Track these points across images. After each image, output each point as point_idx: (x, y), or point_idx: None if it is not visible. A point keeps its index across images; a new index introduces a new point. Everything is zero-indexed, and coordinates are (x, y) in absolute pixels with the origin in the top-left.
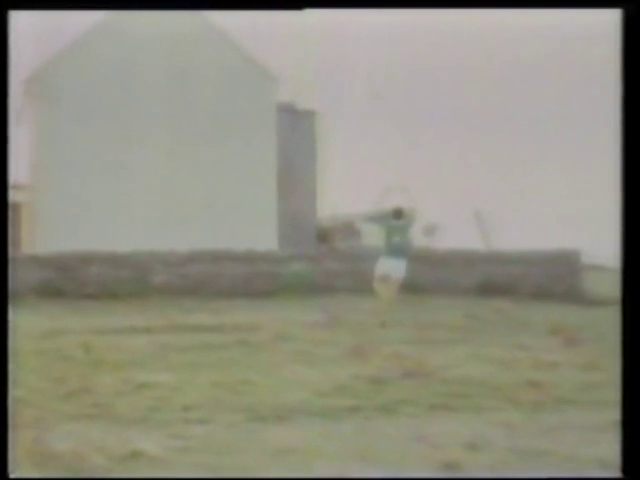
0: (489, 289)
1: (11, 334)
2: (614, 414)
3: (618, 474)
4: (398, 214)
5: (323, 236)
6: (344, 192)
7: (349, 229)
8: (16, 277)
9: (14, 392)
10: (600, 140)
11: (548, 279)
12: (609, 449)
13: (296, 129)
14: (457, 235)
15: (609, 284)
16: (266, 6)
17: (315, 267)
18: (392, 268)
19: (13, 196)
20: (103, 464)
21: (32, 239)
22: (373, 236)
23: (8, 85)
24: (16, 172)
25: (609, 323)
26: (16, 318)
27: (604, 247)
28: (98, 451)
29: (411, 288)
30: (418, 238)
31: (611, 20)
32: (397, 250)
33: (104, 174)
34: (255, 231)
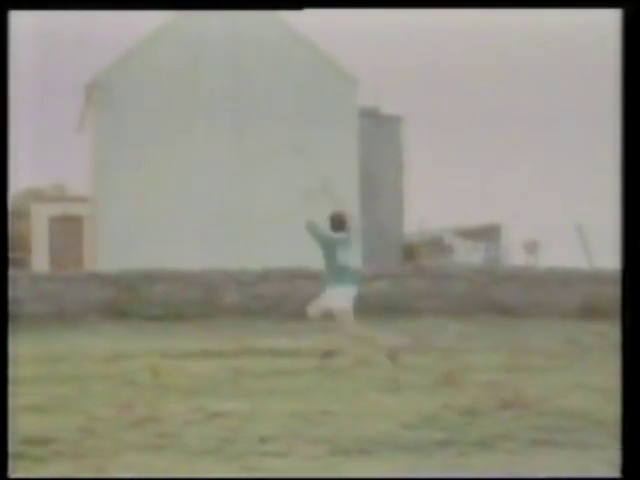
0: (591, 311)
1: (71, 356)
2: None
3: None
4: (338, 222)
5: (409, 252)
6: (432, 204)
7: (438, 245)
8: (78, 296)
9: (76, 420)
10: None
11: None
12: None
13: (380, 135)
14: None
15: None
16: (266, 6)
17: (400, 286)
18: (339, 298)
19: (74, 209)
20: None
21: (94, 255)
22: (464, 253)
23: (8, 84)
24: (78, 183)
25: None
26: (77, 340)
27: None
28: None
29: (507, 310)
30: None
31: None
32: (343, 273)
33: (169, 185)
34: None
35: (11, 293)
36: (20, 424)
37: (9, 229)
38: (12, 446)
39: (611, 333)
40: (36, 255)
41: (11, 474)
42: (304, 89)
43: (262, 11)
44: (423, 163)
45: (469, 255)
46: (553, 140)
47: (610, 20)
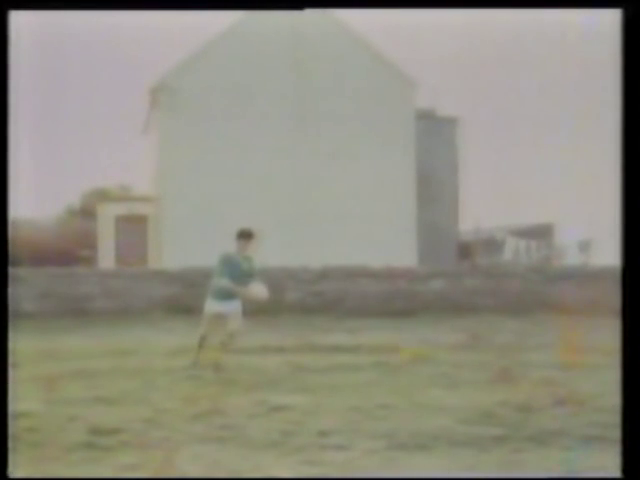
0: None
1: (137, 350)
2: None
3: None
4: (245, 237)
5: (465, 251)
6: (487, 203)
7: (492, 244)
8: (143, 292)
9: (142, 412)
10: None
11: None
12: None
13: (436, 137)
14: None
15: None
16: (266, 6)
17: (456, 285)
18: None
19: (140, 209)
20: None
21: (159, 253)
22: (515, 251)
23: (8, 85)
24: (143, 183)
25: None
26: (143, 335)
27: None
28: (230, 476)
29: (561, 308)
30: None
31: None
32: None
33: (232, 184)
34: (393, 245)
35: (79, 290)
36: (89, 415)
37: (77, 228)
38: (81, 436)
39: None
40: (103, 253)
41: (11, 474)
42: (362, 91)
43: (300, 11)
44: (479, 164)
45: (522, 253)
46: (608, 137)
47: None
